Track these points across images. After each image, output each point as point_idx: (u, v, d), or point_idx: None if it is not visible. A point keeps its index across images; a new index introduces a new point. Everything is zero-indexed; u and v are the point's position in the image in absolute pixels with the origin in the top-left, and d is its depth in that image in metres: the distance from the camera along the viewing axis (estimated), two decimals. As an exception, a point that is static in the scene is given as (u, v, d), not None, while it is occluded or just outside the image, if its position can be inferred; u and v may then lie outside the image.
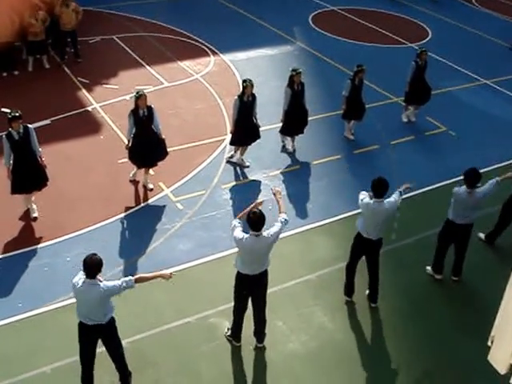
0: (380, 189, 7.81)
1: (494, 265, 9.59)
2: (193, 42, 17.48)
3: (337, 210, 10.55)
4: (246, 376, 7.49)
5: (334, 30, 19.04)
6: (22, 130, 9.27)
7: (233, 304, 7.75)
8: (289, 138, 12.32)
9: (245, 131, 11.30)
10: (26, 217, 9.86)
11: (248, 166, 11.58)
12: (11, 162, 9.34)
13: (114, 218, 10.05)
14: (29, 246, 9.31)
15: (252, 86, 11.01)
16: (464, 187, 8.55)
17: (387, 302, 8.76)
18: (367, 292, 8.73)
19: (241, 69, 15.89)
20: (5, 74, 14.68)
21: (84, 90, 14.27)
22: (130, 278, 6.54)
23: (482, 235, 10.10)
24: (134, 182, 10.86)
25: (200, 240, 9.53)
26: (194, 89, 14.78)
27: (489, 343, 4.95)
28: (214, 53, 16.82)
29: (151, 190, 10.72)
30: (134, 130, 10.26)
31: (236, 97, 11.10)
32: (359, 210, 9.37)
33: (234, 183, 11.18)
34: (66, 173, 10.92)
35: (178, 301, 8.51)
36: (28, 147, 9.39)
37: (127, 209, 10.29)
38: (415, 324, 8.40)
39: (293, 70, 11.68)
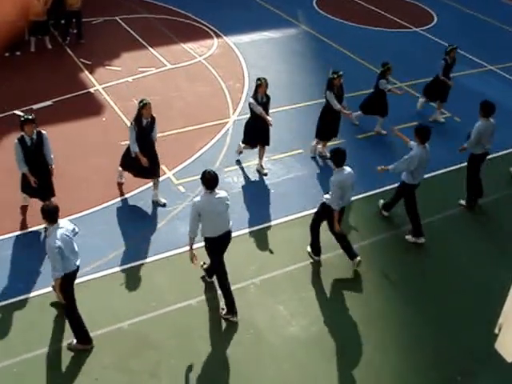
0: (343, 157, 8.37)
1: (494, 253, 9.57)
2: (196, 23, 17.34)
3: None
4: (247, 359, 7.50)
5: (338, 14, 18.87)
6: (35, 136, 8.75)
7: (218, 279, 8.09)
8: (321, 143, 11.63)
9: (256, 132, 10.72)
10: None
11: (266, 174, 10.94)
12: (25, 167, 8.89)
13: (115, 200, 10.03)
14: (29, 228, 9.30)
15: (267, 84, 10.35)
16: (416, 145, 9.16)
17: (390, 287, 8.76)
18: (308, 248, 9.10)
19: (244, 52, 15.78)
20: (7, 55, 14.59)
21: (86, 72, 14.19)
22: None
23: (462, 202, 10.50)
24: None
25: (202, 223, 9.50)
26: (197, 71, 14.68)
27: (496, 331, 4.92)
28: (218, 35, 16.70)
29: (164, 205, 9.97)
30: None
31: (250, 98, 10.51)
32: (363, 195, 9.52)
33: (236, 166, 11.13)
34: (67, 154, 10.86)
35: (180, 283, 8.51)
36: (40, 155, 8.89)
37: (129, 191, 10.26)
38: (417, 310, 8.39)
39: (333, 73, 10.87)
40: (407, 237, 9.60)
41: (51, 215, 6.87)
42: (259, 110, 10.32)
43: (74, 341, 7.39)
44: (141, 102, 9.42)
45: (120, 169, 10.20)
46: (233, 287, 8.31)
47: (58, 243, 6.77)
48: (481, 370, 7.57)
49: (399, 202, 9.73)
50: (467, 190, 10.43)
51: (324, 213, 8.72)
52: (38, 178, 9.00)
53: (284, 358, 7.54)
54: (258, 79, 10.39)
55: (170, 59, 15.09)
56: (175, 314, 8.04)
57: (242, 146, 11.09)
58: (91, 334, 7.50)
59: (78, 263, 7.17)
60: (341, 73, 10.89)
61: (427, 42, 17.29)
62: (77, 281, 8.24)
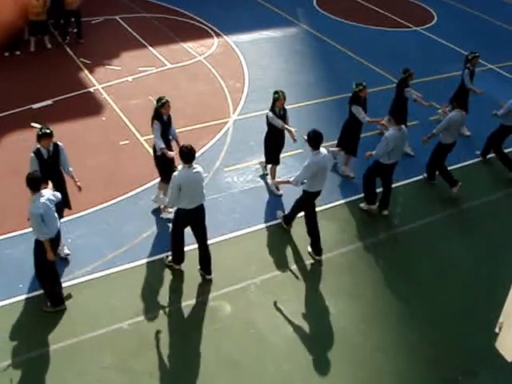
0: (319, 140, 8.56)
1: (495, 252, 9.55)
2: (196, 23, 17.32)
3: (341, 195, 10.51)
4: (247, 359, 7.48)
5: (338, 13, 18.83)
6: (51, 148, 8.32)
7: (174, 242, 8.47)
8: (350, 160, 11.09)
9: (280, 147, 10.38)
10: (26, 198, 9.80)
11: (281, 195, 10.42)
12: None
13: (115, 200, 10.00)
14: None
15: (285, 98, 9.92)
16: (391, 128, 9.56)
17: (390, 287, 8.74)
18: (309, 248, 9.20)
19: (245, 51, 15.75)
20: (7, 54, 14.57)
21: (86, 71, 14.17)
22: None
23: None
24: (136, 167, 10.74)
25: (202, 223, 9.48)
26: (197, 70, 14.66)
27: (496, 330, 4.92)
28: (218, 34, 16.67)
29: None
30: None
31: (268, 111, 10.03)
32: (360, 195, 9.57)
33: (236, 166, 11.10)
34: (67, 154, 10.84)
35: (180, 283, 8.49)
36: (56, 168, 8.47)
37: (128, 191, 10.24)
38: (418, 310, 8.38)
39: (357, 85, 10.27)
40: (361, 204, 10.12)
41: (34, 183, 7.27)
42: (279, 122, 9.88)
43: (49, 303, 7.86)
44: (159, 100, 9.15)
45: (162, 194, 9.65)
46: (233, 287, 8.35)
47: (40, 211, 7.19)
48: (482, 370, 7.56)
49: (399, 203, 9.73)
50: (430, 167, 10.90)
51: (305, 202, 9.03)
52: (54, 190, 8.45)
53: (284, 358, 7.52)
54: (276, 92, 9.91)
55: (169, 58, 15.07)
56: (175, 313, 8.02)
57: (268, 166, 10.67)
58: (91, 335, 7.53)
59: (58, 229, 7.63)
60: (364, 83, 10.36)
61: (428, 41, 17.27)
62: (76, 281, 8.35)
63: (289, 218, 9.48)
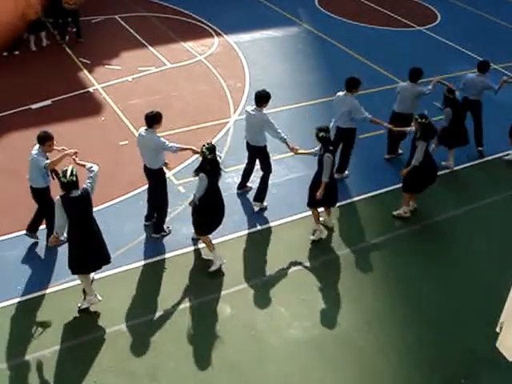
0: (264, 99, 9.47)
1: (496, 252, 9.44)
2: (196, 22, 17.25)
3: (341, 196, 10.40)
4: (248, 361, 7.40)
5: (340, 12, 18.75)
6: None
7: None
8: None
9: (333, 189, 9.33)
10: (26, 198, 9.72)
11: (332, 227, 9.69)
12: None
13: (115, 201, 9.95)
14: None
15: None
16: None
17: (391, 288, 8.67)
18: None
19: (245, 50, 15.68)
20: (5, 54, 14.52)
21: (85, 71, 14.10)
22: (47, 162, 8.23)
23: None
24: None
25: (202, 224, 9.41)
26: (197, 70, 14.59)
27: (497, 329, 4.87)
28: (218, 34, 16.60)
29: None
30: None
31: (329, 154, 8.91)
32: (365, 195, 9.47)
33: (237, 167, 11.00)
34: (66, 154, 10.78)
35: (180, 285, 8.41)
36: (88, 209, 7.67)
37: (128, 191, 10.17)
38: (419, 311, 8.30)
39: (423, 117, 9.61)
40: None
41: (38, 139, 8.27)
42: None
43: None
44: (210, 151, 8.40)
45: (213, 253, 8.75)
46: (234, 288, 8.27)
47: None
48: (484, 371, 7.47)
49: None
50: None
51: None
52: (89, 241, 7.73)
53: (285, 360, 7.44)
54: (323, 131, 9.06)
55: (170, 58, 15.00)
56: (175, 315, 7.95)
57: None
58: (91, 336, 7.49)
59: (28, 183, 8.50)
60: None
61: (431, 41, 17.17)
62: (76, 282, 8.25)
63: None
